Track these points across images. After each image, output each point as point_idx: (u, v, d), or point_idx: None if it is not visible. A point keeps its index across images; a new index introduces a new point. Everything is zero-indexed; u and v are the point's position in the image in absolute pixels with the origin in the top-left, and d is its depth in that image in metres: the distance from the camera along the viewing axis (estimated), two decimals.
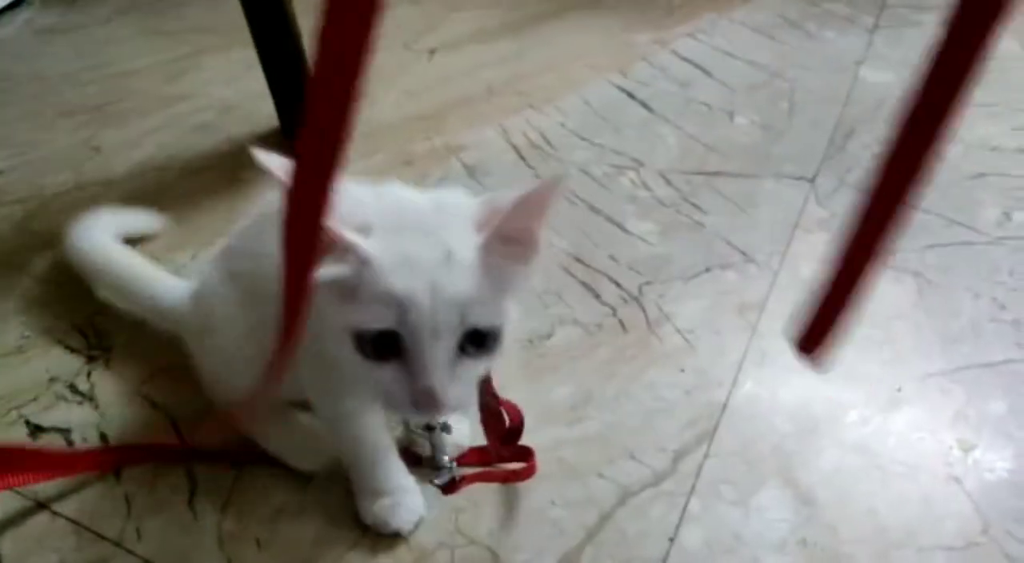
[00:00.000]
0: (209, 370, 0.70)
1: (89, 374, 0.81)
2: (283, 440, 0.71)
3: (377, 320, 0.46)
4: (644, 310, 0.86)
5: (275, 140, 1.16)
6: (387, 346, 0.46)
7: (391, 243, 0.46)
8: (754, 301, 0.87)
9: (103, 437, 0.74)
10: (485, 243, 0.47)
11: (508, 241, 0.48)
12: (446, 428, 0.69)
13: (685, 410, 0.75)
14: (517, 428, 0.70)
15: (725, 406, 0.75)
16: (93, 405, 0.77)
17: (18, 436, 0.75)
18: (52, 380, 0.80)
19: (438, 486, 0.66)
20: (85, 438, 0.74)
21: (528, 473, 0.67)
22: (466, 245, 0.47)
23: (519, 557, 0.64)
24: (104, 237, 0.85)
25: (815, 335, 0.38)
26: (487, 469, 0.69)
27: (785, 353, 0.81)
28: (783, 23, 1.48)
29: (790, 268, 0.91)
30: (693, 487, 0.68)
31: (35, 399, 0.78)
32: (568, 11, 1.56)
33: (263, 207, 0.65)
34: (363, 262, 0.46)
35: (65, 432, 0.75)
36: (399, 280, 0.45)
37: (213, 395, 0.71)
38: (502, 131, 1.18)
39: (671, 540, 0.65)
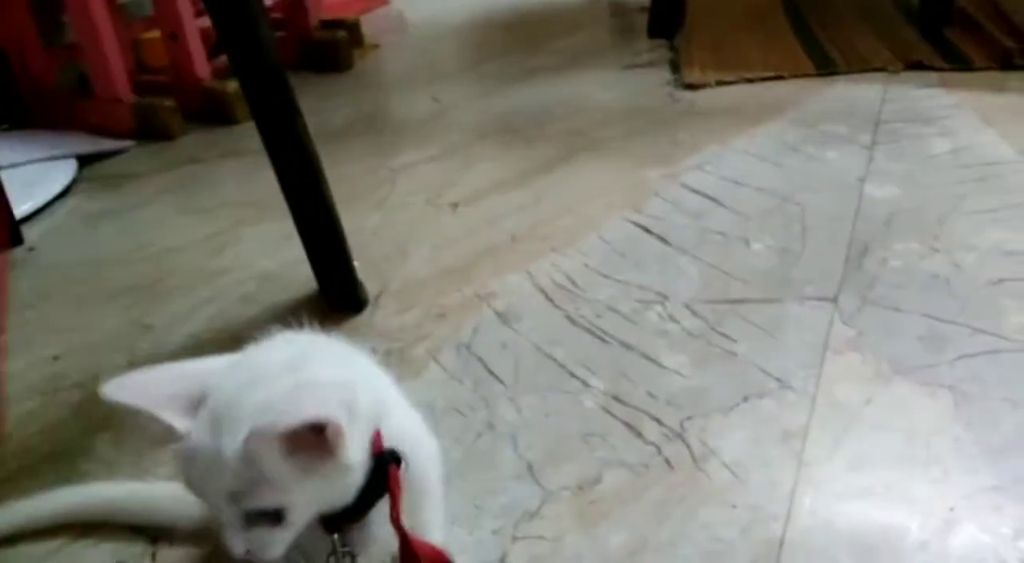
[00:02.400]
0: None
1: (154, 555, 0.82)
2: None
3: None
4: (688, 446, 0.88)
5: (315, 303, 1.22)
6: None
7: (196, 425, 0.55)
8: (796, 428, 0.88)
9: None
10: (256, 447, 0.52)
11: (298, 444, 0.53)
12: None
13: (744, 549, 0.75)
14: None
15: (783, 542, 0.76)
16: None
17: None
18: None
19: None
20: None
21: None
22: (237, 443, 0.52)
23: None
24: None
25: None
26: None
27: (835, 481, 0.82)
28: (784, 148, 1.56)
29: (826, 391, 0.93)
30: None
31: None
32: (576, 155, 1.65)
33: None
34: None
35: None
36: (183, 468, 0.55)
37: None
38: (528, 276, 1.24)
39: None
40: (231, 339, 1.18)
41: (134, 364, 1.15)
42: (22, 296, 1.38)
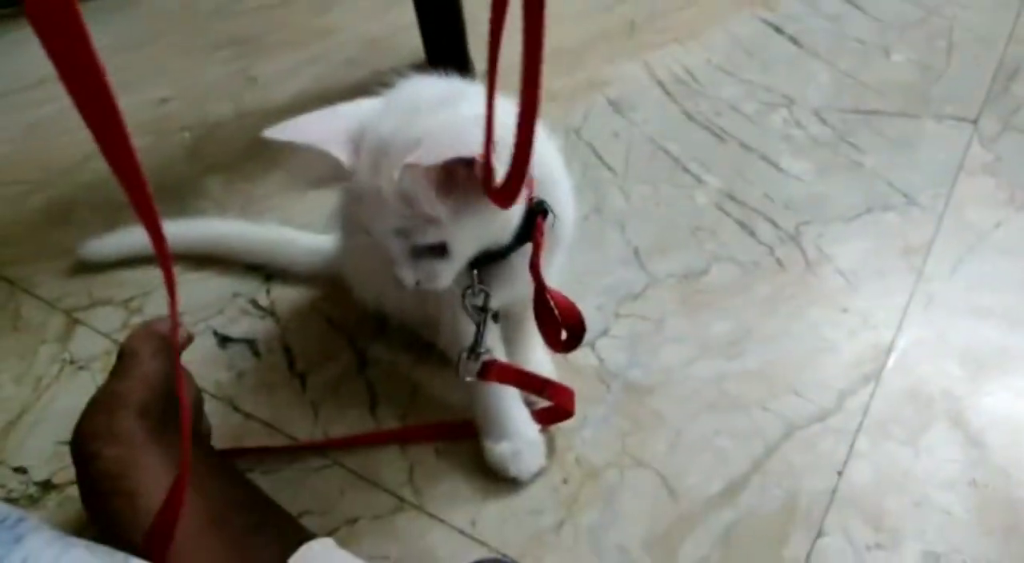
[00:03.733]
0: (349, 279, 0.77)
1: (268, 290, 0.86)
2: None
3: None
4: (802, 250, 0.86)
5: (421, 72, 1.18)
6: None
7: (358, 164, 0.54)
8: (919, 244, 0.85)
9: (287, 349, 0.80)
10: (410, 185, 0.51)
11: (451, 181, 0.52)
12: (496, 317, 0.68)
13: (849, 350, 0.75)
14: (574, 328, 0.63)
15: (891, 348, 0.75)
16: (275, 319, 0.83)
17: (208, 344, 0.81)
18: (235, 295, 0.86)
19: (470, 370, 0.64)
20: (271, 349, 0.80)
21: (565, 401, 0.67)
22: (394, 181, 0.51)
23: (687, 481, 0.66)
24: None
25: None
26: (525, 372, 0.67)
27: (953, 297, 0.80)
28: None
29: (955, 211, 0.88)
30: (860, 425, 0.69)
31: (221, 312, 0.84)
32: None
33: None
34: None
35: (251, 343, 0.81)
36: (352, 205, 0.58)
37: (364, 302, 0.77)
38: (646, 66, 1.17)
39: (839, 474, 0.66)
40: (336, 99, 1.17)
41: (241, 114, 1.15)
42: (126, 39, 1.37)
